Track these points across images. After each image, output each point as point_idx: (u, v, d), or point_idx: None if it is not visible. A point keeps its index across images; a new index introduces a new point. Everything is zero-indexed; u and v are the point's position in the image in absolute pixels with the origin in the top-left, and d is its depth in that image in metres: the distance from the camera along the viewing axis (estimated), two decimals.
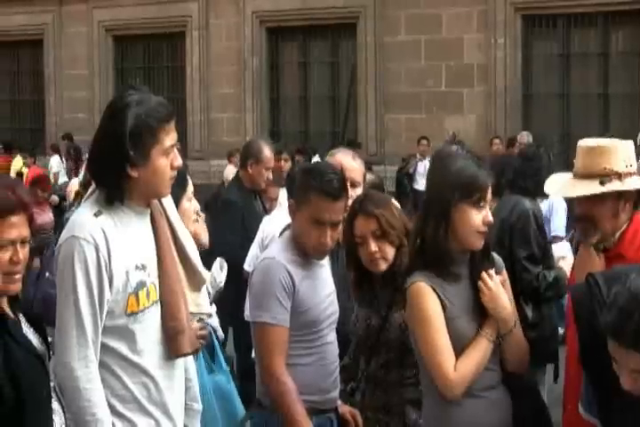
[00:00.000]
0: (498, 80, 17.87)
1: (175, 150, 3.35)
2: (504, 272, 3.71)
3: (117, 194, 3.27)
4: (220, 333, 4.83)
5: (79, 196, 8.63)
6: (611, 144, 3.95)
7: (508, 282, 3.71)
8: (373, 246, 4.16)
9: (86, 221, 3.23)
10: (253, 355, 4.05)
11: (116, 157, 3.22)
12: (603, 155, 3.89)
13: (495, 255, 3.72)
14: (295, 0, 19.44)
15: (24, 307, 3.21)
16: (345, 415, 4.16)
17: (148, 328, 3.30)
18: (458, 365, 3.44)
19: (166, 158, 3.29)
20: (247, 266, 6.20)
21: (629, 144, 4.01)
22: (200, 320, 3.75)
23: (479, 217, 3.51)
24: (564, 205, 8.69)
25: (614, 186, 3.85)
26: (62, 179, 18.67)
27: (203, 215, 4.51)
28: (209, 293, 4.27)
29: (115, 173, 3.24)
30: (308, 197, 3.91)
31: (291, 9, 19.44)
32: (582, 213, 3.91)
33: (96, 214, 3.24)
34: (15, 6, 22.29)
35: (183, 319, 3.37)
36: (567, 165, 4.38)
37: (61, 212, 12.01)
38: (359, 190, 4.77)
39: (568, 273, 4.98)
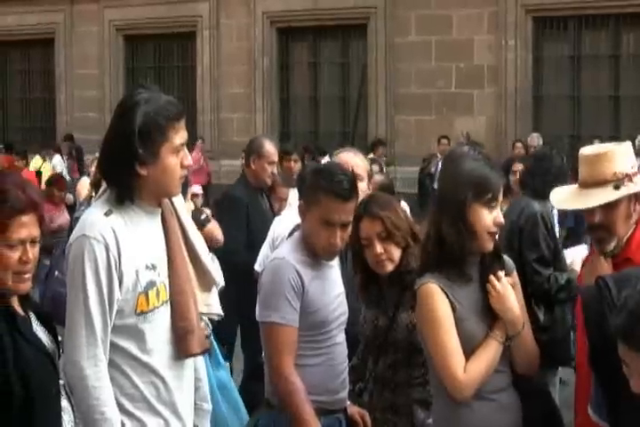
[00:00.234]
0: (508, 82, 17.86)
1: (185, 149, 3.34)
2: (514, 274, 3.70)
3: (128, 193, 3.27)
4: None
5: (89, 195, 8.65)
6: (614, 148, 3.95)
7: (518, 284, 3.69)
8: (379, 248, 4.18)
9: (97, 221, 3.23)
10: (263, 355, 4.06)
11: (125, 156, 3.22)
12: (610, 160, 3.88)
13: (506, 257, 3.71)
14: (306, 0, 19.46)
15: (34, 305, 3.22)
16: (354, 416, 4.16)
17: (158, 328, 3.30)
18: (467, 366, 3.43)
19: (176, 157, 3.29)
20: (258, 266, 6.20)
21: (628, 145, 4.02)
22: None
23: (490, 217, 3.51)
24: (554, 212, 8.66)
25: (629, 188, 3.84)
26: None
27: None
28: None
29: (124, 172, 3.24)
30: (317, 197, 3.91)
31: (301, 9, 19.45)
32: (599, 222, 3.87)
33: (106, 214, 3.24)
34: (26, 5, 22.34)
35: (193, 319, 3.37)
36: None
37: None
38: (363, 185, 4.79)
39: None
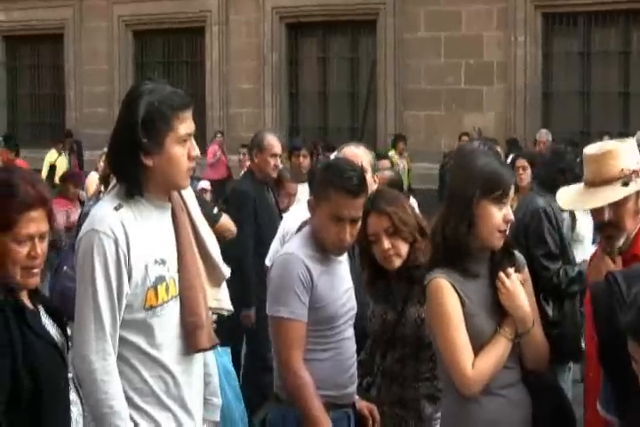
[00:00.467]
0: (517, 78, 17.84)
1: (192, 140, 3.31)
2: (525, 271, 3.69)
3: (136, 186, 3.25)
4: None
5: (98, 191, 8.66)
6: (618, 146, 3.95)
7: (529, 281, 3.68)
8: (387, 244, 4.19)
9: (106, 215, 3.23)
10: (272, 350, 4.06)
11: (130, 146, 3.21)
12: (615, 158, 3.88)
13: (517, 253, 3.69)
14: None
15: (43, 299, 3.23)
16: (362, 411, 4.17)
17: (167, 323, 3.30)
18: (476, 362, 3.42)
19: (182, 147, 3.26)
20: (268, 261, 6.23)
21: (632, 141, 4.03)
22: None
23: (500, 215, 3.49)
24: None
25: (638, 184, 3.84)
26: None
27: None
28: None
29: (130, 163, 3.22)
30: (327, 193, 3.91)
31: (310, 5, 19.45)
32: (609, 220, 3.87)
33: (116, 208, 3.24)
34: (36, 1, 22.38)
35: (202, 314, 3.37)
36: None
37: None
38: (368, 176, 4.81)
39: None
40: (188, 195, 3.52)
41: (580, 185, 4.05)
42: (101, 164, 11.92)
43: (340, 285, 4.06)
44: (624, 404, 2.99)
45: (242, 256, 6.77)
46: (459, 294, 3.46)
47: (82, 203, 12.17)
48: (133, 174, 3.25)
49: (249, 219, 7.00)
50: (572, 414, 3.63)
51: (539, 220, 6.03)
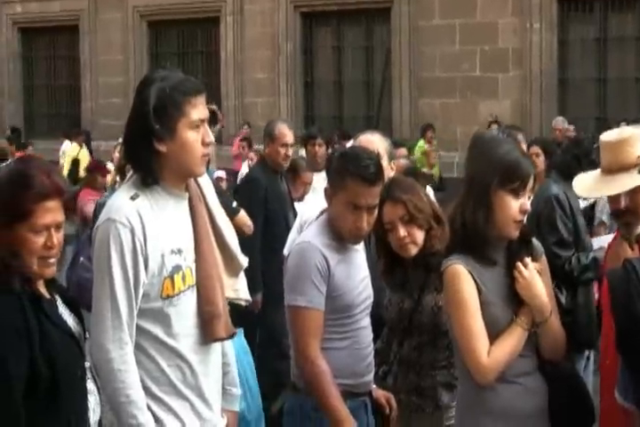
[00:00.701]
0: (533, 64, 17.75)
1: (206, 126, 3.30)
2: (543, 259, 3.65)
3: (151, 173, 3.25)
4: None
5: (114, 181, 8.69)
6: (635, 132, 3.93)
7: (547, 270, 3.65)
8: (402, 232, 4.19)
9: (123, 205, 3.23)
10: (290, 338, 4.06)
11: (143, 133, 3.21)
12: (632, 145, 3.87)
13: (535, 241, 3.66)
14: None
15: (60, 289, 3.24)
16: (379, 399, 4.17)
17: (184, 312, 3.29)
18: (491, 350, 3.41)
19: (195, 133, 3.25)
20: (286, 250, 6.24)
21: None
22: None
23: (517, 205, 3.46)
24: None
25: None
26: None
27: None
28: None
29: (144, 149, 3.22)
30: (344, 181, 3.90)
31: None
32: (626, 207, 3.85)
33: (133, 198, 3.24)
34: None
35: (219, 304, 3.36)
36: None
37: None
38: (384, 163, 4.79)
39: None
40: (206, 184, 3.51)
41: (597, 172, 4.04)
42: (116, 154, 11.97)
43: (357, 273, 4.05)
44: None
45: (249, 241, 6.79)
46: (475, 282, 3.45)
47: None
48: (147, 161, 3.25)
49: (258, 205, 7.06)
50: (591, 402, 3.61)
51: (551, 207, 6.00)
